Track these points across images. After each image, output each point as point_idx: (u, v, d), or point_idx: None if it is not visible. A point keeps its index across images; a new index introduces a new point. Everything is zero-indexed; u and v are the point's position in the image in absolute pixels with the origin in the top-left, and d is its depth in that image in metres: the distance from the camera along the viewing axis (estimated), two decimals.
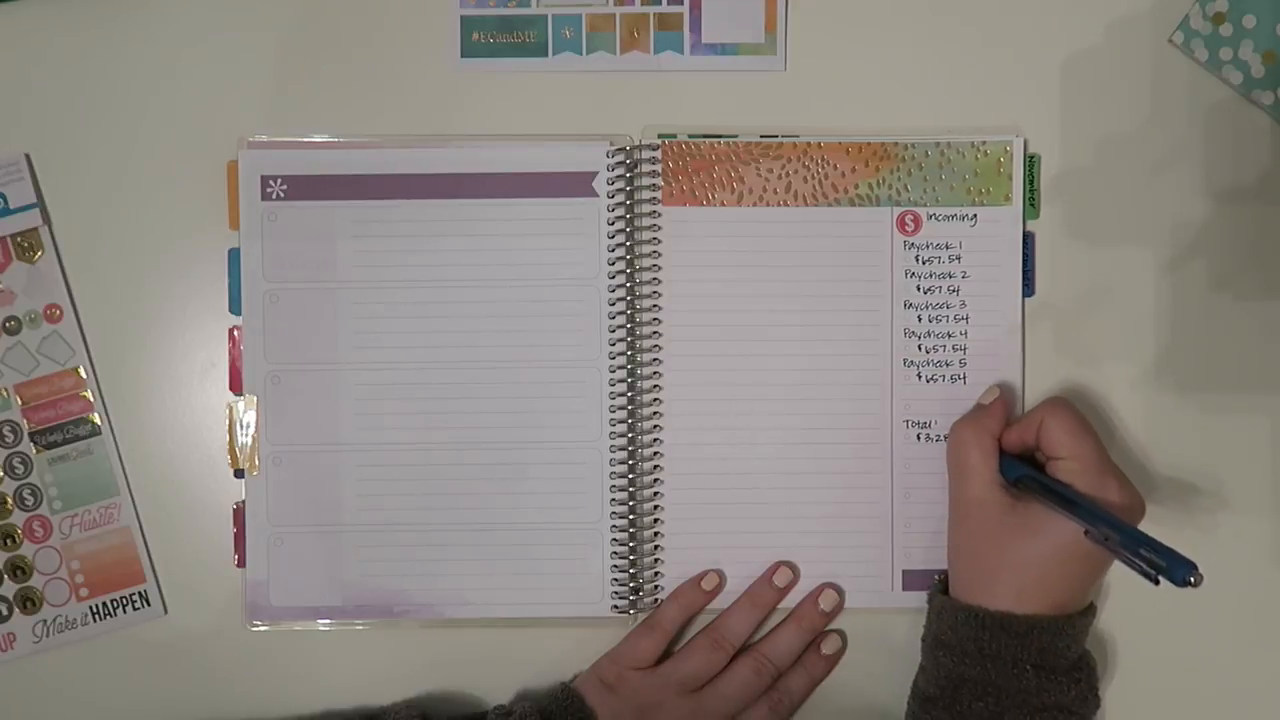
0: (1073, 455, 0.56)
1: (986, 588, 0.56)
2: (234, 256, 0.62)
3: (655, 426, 0.62)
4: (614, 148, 0.62)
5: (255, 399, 0.62)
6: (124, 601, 0.63)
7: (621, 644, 0.61)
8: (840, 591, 0.62)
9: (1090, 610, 0.57)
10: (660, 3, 0.62)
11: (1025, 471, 0.57)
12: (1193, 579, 0.47)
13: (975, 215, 0.62)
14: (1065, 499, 0.54)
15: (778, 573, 0.62)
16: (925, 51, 0.63)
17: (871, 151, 0.62)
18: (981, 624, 0.55)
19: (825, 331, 0.62)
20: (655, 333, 0.62)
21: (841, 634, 0.63)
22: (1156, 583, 0.49)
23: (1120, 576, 0.62)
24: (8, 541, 0.63)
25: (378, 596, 0.62)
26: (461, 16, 0.63)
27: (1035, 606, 0.55)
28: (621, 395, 0.62)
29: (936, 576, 0.62)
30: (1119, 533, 0.51)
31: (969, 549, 0.58)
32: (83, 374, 0.62)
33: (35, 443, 0.62)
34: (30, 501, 0.62)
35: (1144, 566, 0.49)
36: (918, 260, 0.62)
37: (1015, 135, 0.62)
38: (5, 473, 0.62)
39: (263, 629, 0.62)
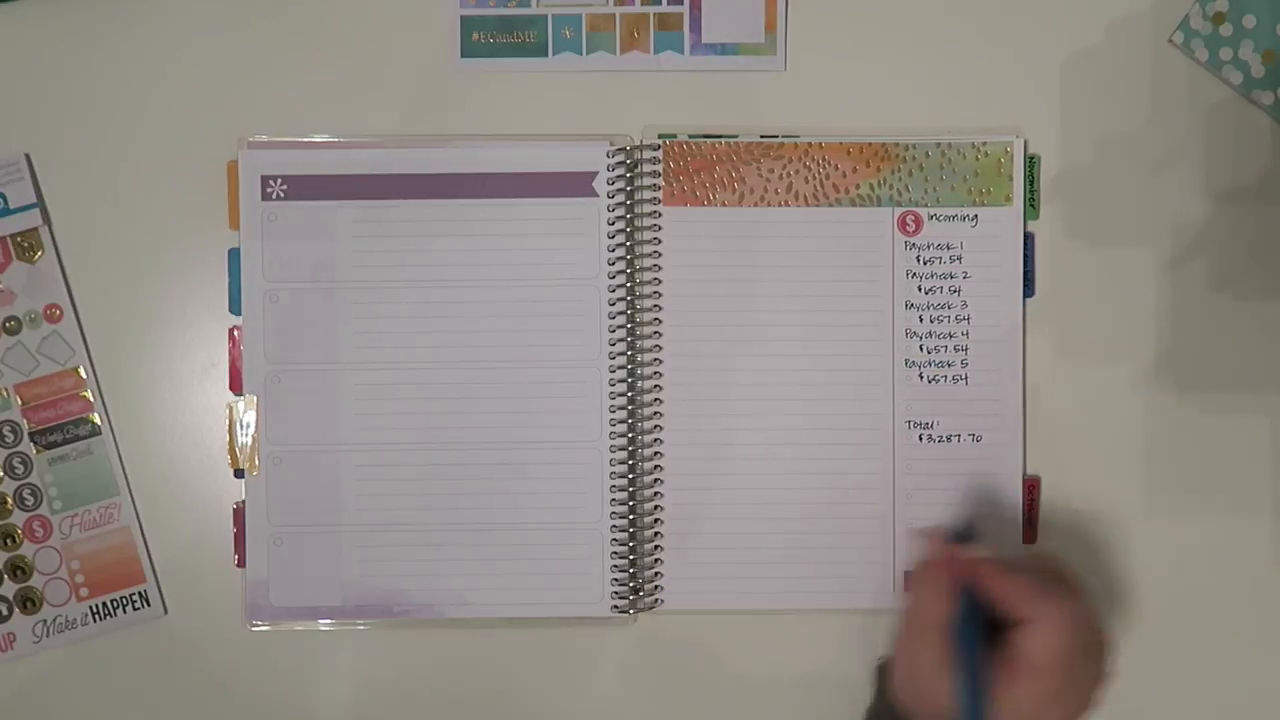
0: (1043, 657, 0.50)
1: (926, 701, 0.52)
2: (234, 256, 0.62)
3: (655, 426, 0.62)
4: (614, 148, 0.62)
5: (255, 399, 0.62)
6: (124, 601, 0.63)
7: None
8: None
9: None
10: (660, 3, 0.62)
11: (966, 657, 0.51)
12: None
13: (976, 215, 0.62)
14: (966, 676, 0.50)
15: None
16: (925, 51, 0.63)
17: (872, 152, 0.62)
18: None
19: (826, 332, 0.62)
20: (655, 333, 0.62)
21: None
22: None
23: (1124, 576, 0.63)
24: (8, 541, 0.62)
25: (378, 596, 0.62)
26: (461, 16, 0.62)
27: None
28: (621, 395, 0.62)
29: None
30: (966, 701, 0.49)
31: (911, 666, 0.53)
32: (83, 374, 0.62)
33: (35, 443, 0.62)
34: (30, 501, 0.62)
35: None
36: (919, 260, 0.62)
37: (1015, 135, 0.62)
38: (5, 473, 0.62)
39: (263, 629, 0.62)
